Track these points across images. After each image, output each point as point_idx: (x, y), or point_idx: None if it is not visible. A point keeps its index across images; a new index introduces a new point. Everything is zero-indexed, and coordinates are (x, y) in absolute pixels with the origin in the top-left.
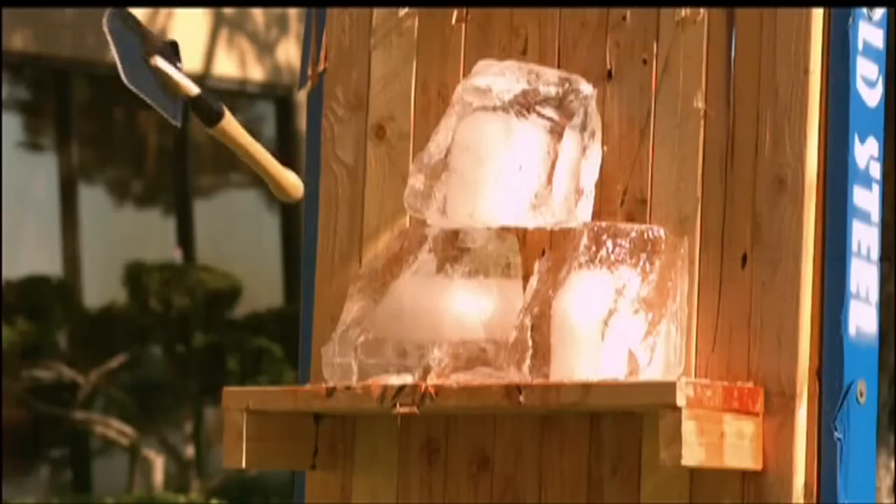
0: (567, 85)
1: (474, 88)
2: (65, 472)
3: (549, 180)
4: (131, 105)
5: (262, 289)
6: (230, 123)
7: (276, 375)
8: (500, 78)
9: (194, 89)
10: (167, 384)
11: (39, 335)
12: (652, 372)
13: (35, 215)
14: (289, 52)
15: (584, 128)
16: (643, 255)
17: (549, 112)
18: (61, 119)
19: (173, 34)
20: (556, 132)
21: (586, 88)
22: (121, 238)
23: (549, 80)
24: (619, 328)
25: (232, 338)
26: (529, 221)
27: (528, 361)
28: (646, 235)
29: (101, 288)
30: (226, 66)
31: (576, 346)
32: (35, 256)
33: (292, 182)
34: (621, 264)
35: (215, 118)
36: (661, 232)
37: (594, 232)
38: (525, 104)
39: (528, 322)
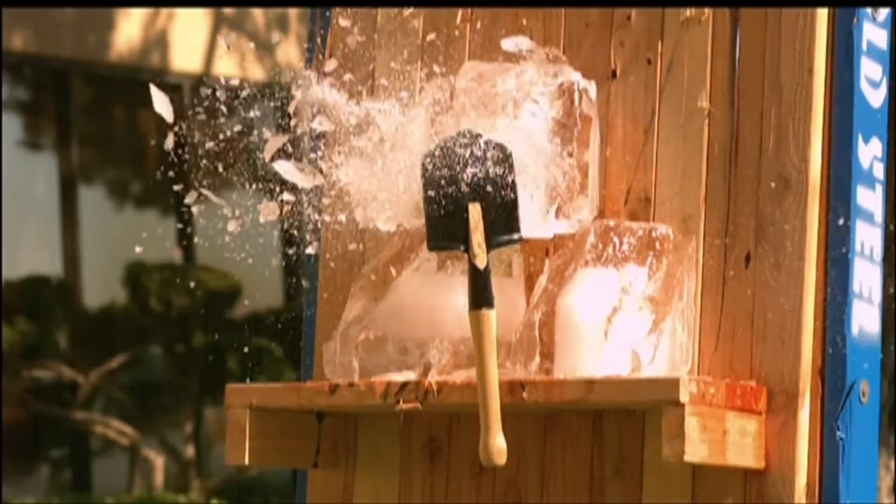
0: (557, 77)
1: (463, 91)
2: (65, 472)
3: (569, 189)
4: (131, 105)
5: (262, 289)
6: (490, 321)
7: (275, 375)
8: (489, 78)
9: (483, 261)
10: (167, 384)
11: (39, 335)
12: (655, 370)
13: (35, 215)
14: (289, 52)
15: (582, 118)
16: (650, 254)
17: (547, 114)
18: (61, 119)
19: (173, 34)
20: (564, 136)
21: (575, 76)
22: (121, 238)
23: (538, 76)
24: (622, 326)
25: (232, 338)
26: (551, 230)
27: (536, 358)
28: (653, 234)
29: (101, 288)
30: (226, 66)
31: (579, 343)
32: (35, 256)
33: (498, 444)
34: (628, 263)
35: (484, 303)
36: (669, 231)
37: (601, 230)
38: (518, 104)
39: (535, 319)
